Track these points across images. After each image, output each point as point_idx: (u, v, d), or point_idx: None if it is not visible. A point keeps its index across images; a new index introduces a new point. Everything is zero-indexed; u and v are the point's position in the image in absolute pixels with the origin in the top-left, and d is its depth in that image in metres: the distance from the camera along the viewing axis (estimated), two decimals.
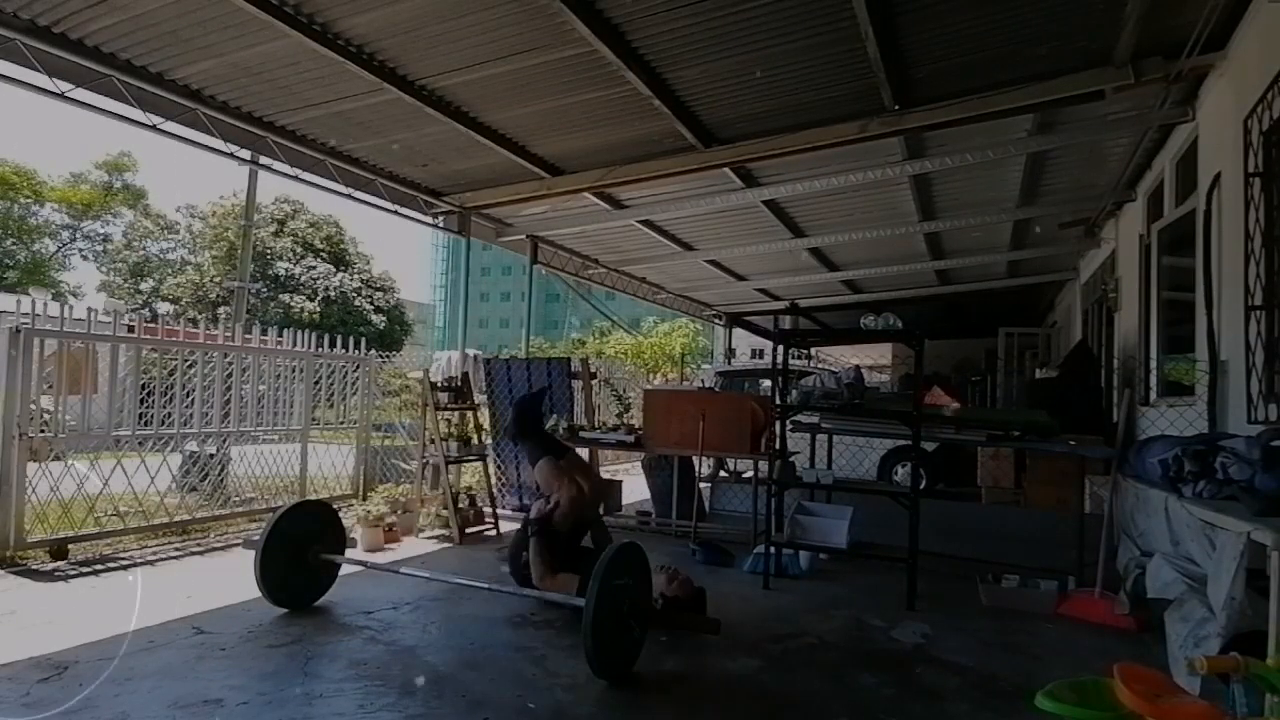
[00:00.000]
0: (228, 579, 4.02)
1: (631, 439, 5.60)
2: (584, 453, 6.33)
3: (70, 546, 4.38)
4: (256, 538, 3.34)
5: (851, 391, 4.38)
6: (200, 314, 23.84)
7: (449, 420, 5.80)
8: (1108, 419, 5.67)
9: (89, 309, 4.91)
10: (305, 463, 6.02)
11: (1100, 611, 3.65)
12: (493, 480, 5.95)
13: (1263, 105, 3.21)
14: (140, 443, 4.97)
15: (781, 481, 4.55)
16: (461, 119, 5.06)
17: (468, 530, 5.30)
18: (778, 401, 4.52)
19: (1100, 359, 6.70)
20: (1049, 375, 7.86)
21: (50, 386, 4.53)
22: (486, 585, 3.22)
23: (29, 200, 27.83)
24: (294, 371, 6.05)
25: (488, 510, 5.78)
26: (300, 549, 3.47)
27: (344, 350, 6.50)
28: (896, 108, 4.60)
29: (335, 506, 3.98)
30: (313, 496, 6.09)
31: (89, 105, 4.61)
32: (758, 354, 18.23)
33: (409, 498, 5.46)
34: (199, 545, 4.87)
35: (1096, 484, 4.69)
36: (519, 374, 6.53)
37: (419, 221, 7.18)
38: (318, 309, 24.82)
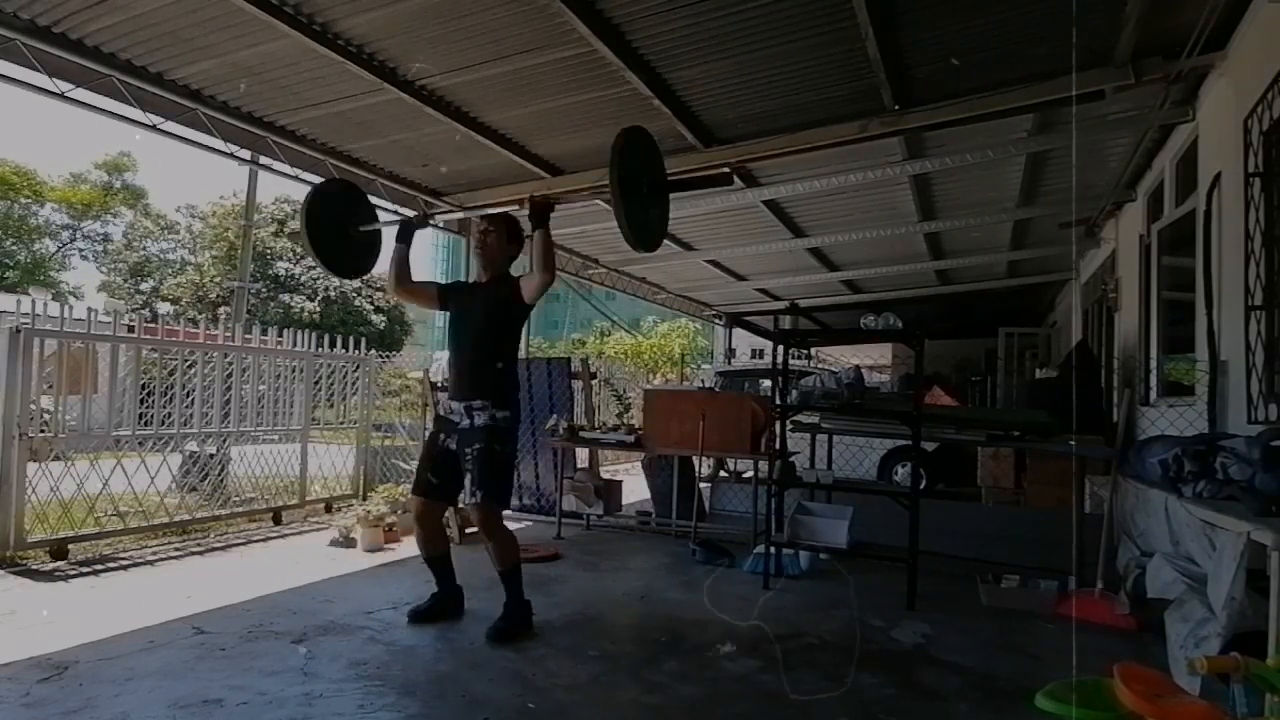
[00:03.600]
0: (228, 579, 4.03)
1: (631, 439, 5.60)
2: (584, 453, 6.36)
3: (70, 546, 4.38)
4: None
5: (851, 391, 4.38)
6: (200, 314, 23.83)
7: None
8: (1108, 419, 5.66)
9: (89, 309, 4.92)
10: (305, 463, 6.02)
11: (1100, 611, 3.65)
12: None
13: (1263, 105, 3.21)
14: (140, 443, 4.97)
15: (781, 481, 4.55)
16: (461, 119, 5.06)
17: (468, 530, 5.29)
18: (778, 401, 4.52)
19: (1100, 359, 6.70)
20: (1049, 375, 7.86)
21: (50, 386, 4.53)
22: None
23: (29, 200, 27.82)
24: (294, 371, 6.05)
25: None
26: (339, 226, 3.53)
27: (344, 350, 6.50)
28: (896, 108, 4.59)
29: (361, 189, 3.94)
30: (313, 495, 6.10)
31: (89, 105, 4.62)
32: (758, 354, 18.25)
33: (409, 497, 5.45)
34: (199, 545, 4.87)
35: (1096, 484, 4.69)
36: (519, 374, 6.53)
37: None
38: (318, 309, 24.80)
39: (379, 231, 3.71)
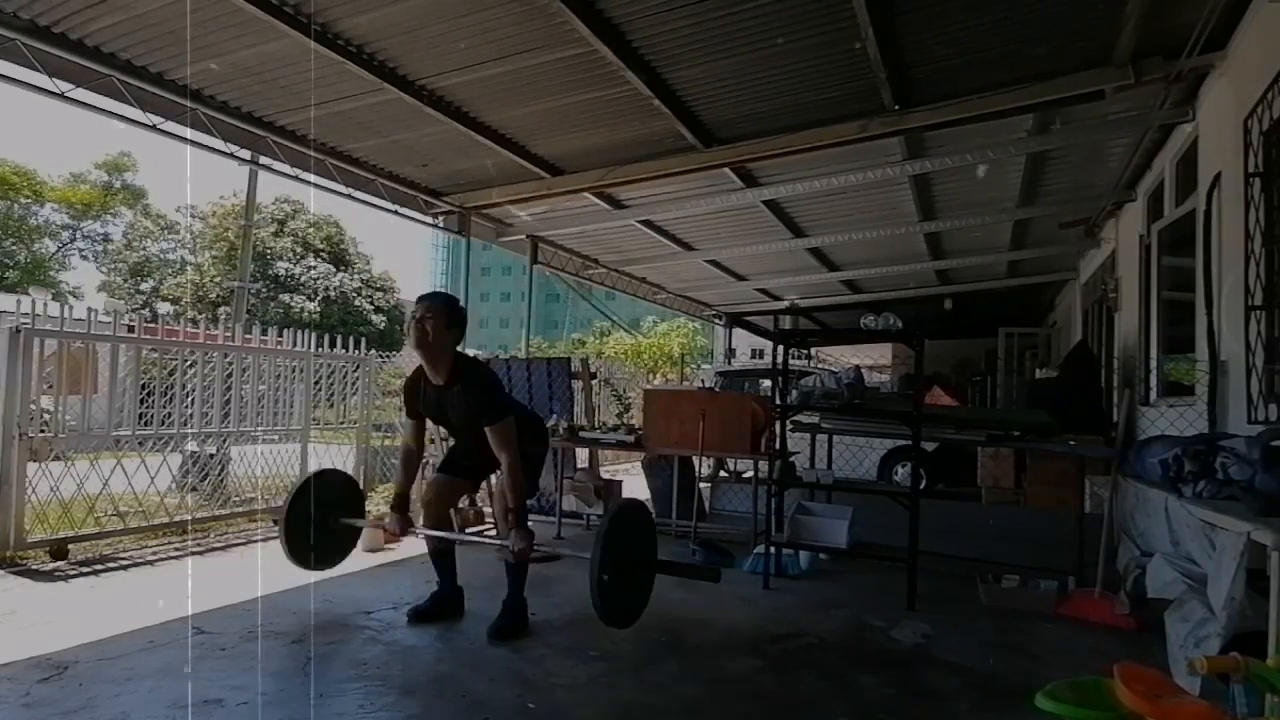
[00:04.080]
0: (228, 579, 4.02)
1: (631, 439, 5.60)
2: (584, 453, 6.36)
3: (70, 546, 4.38)
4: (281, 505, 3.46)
5: (851, 391, 4.38)
6: (200, 314, 23.84)
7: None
8: (1108, 419, 5.67)
9: (89, 309, 4.91)
10: (305, 463, 6.01)
11: (1100, 611, 3.65)
12: (493, 480, 5.94)
13: (1263, 105, 3.21)
14: (140, 443, 4.97)
15: (781, 481, 4.55)
16: (461, 119, 5.06)
17: (468, 530, 5.30)
18: (778, 401, 4.52)
19: (1100, 359, 6.70)
20: (1049, 375, 7.86)
21: (50, 386, 4.53)
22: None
23: (29, 200, 27.83)
24: (294, 371, 6.05)
25: (488, 510, 5.78)
26: (322, 516, 3.52)
27: (344, 350, 6.50)
28: (896, 108, 4.60)
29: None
30: None
31: (89, 105, 4.61)
32: (758, 354, 18.25)
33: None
34: (199, 545, 4.87)
35: (1096, 484, 4.69)
36: (519, 374, 6.53)
37: (419, 221, 7.19)
38: (318, 309, 24.83)
39: (356, 534, 3.72)
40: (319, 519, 3.52)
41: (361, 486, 6.31)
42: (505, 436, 3.13)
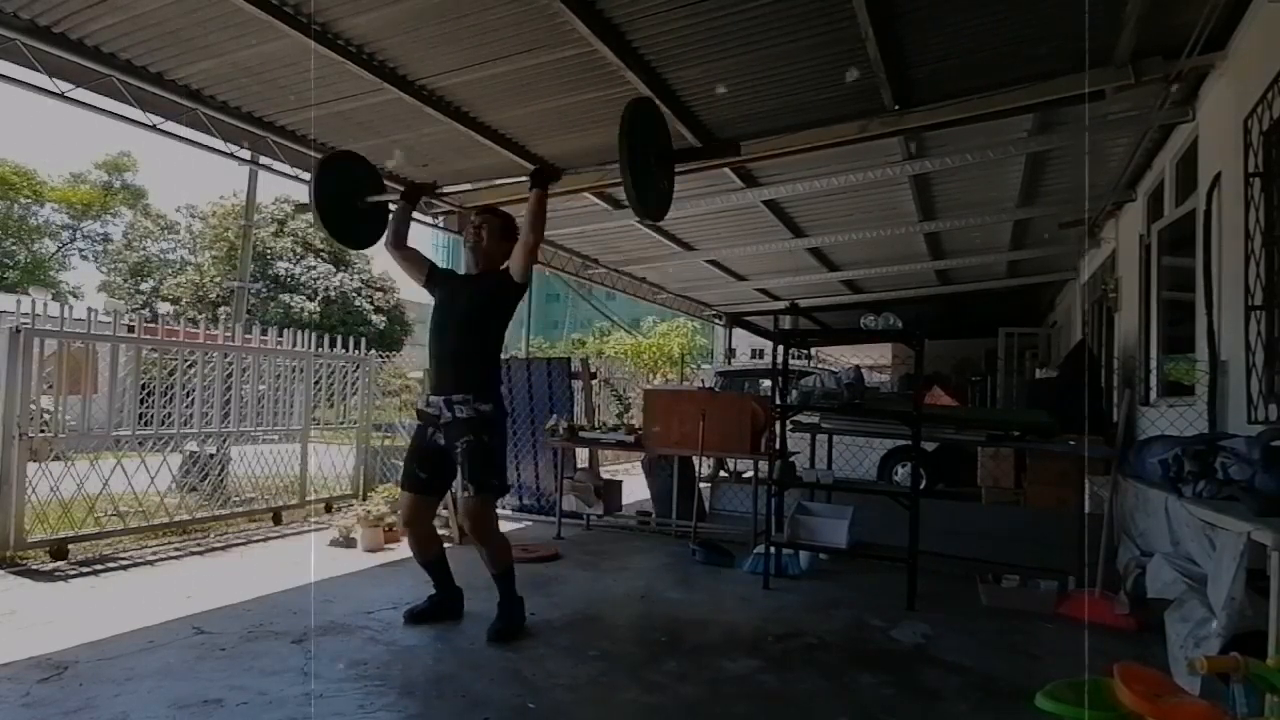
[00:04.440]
0: (228, 579, 4.03)
1: (631, 439, 5.60)
2: (584, 453, 6.36)
3: (70, 546, 4.38)
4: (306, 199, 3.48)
5: (851, 391, 4.38)
6: (200, 314, 23.83)
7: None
8: (1108, 419, 5.67)
9: (89, 309, 4.91)
10: (305, 463, 6.02)
11: (1100, 611, 3.65)
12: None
13: (1263, 105, 3.21)
14: (140, 443, 4.97)
15: (781, 481, 4.55)
16: (461, 119, 5.06)
17: (459, 536, 5.30)
18: (778, 401, 4.52)
19: (1100, 359, 6.70)
20: (1049, 375, 7.86)
21: (50, 386, 4.53)
22: None
23: (29, 200, 27.83)
24: (294, 371, 6.05)
25: None
26: (345, 197, 3.53)
27: (344, 350, 6.50)
28: (896, 108, 4.59)
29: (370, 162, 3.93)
30: (312, 496, 6.10)
31: (89, 105, 4.61)
32: (758, 354, 18.25)
33: (399, 495, 5.45)
34: (199, 545, 4.87)
35: (1096, 484, 4.69)
36: (519, 374, 6.53)
37: (419, 221, 7.17)
38: (318, 309, 24.80)
39: (385, 204, 3.70)
40: (344, 201, 3.51)
41: (361, 485, 6.36)
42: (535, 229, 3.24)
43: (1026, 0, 3.60)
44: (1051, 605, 3.80)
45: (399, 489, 3.59)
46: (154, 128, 4.89)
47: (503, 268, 3.35)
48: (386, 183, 4.00)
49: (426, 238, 30.73)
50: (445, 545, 3.62)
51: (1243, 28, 3.58)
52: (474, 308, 3.27)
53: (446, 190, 6.78)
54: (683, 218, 7.47)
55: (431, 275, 3.50)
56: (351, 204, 3.54)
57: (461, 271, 3.53)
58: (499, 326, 3.32)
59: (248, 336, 5.70)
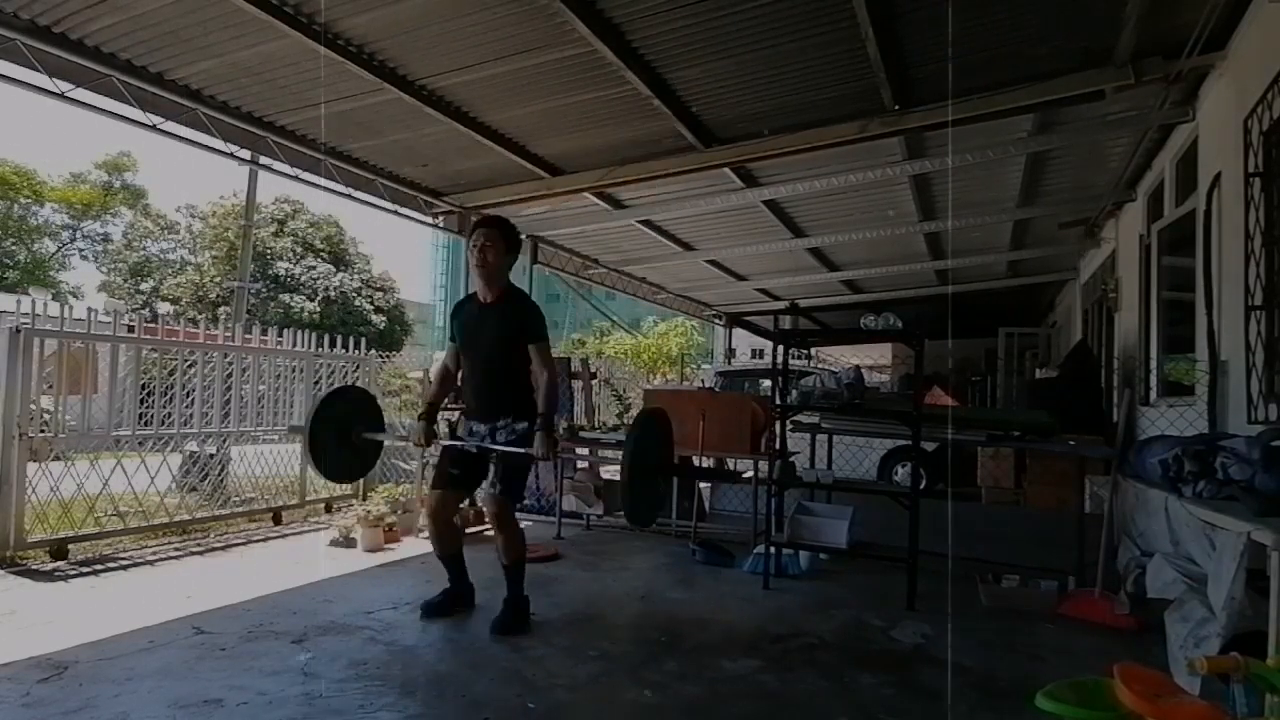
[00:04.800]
0: (228, 579, 4.02)
1: None
2: (584, 452, 6.35)
3: (70, 546, 4.38)
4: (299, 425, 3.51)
5: (851, 391, 4.38)
6: (200, 314, 23.83)
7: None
8: (1108, 419, 5.67)
9: (89, 309, 4.91)
10: (305, 463, 6.01)
11: (1100, 611, 3.65)
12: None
13: (1263, 105, 3.21)
14: (140, 443, 4.97)
15: (781, 481, 4.55)
16: (461, 119, 5.06)
17: (468, 530, 5.28)
18: (778, 401, 4.52)
19: (1100, 359, 6.70)
20: (1049, 375, 7.87)
21: (50, 386, 4.53)
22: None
23: (29, 200, 27.82)
24: (294, 371, 6.05)
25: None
26: (344, 431, 3.58)
27: (344, 350, 6.50)
28: (896, 108, 4.60)
29: (371, 394, 4.13)
30: (312, 496, 6.10)
31: (89, 105, 4.61)
32: (758, 354, 18.23)
33: (409, 497, 5.46)
34: (199, 545, 4.87)
35: (1096, 484, 4.69)
36: None
37: (419, 221, 7.19)
38: (318, 309, 24.81)
39: (378, 448, 3.82)
40: (340, 434, 3.57)
41: (361, 485, 6.36)
42: (546, 355, 3.32)
43: (1026, 0, 3.61)
44: (1051, 605, 3.80)
45: (429, 488, 3.63)
46: (154, 128, 4.89)
47: (521, 301, 3.39)
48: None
49: (427, 237, 30.71)
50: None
51: (1243, 28, 3.58)
52: (499, 341, 3.34)
53: (445, 192, 6.82)
54: (683, 218, 7.48)
55: (456, 334, 3.50)
56: (349, 437, 3.59)
57: (472, 290, 3.51)
58: (524, 354, 3.34)
59: (248, 336, 5.70)
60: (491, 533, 5.20)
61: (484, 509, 3.65)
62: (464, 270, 8.35)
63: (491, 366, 3.36)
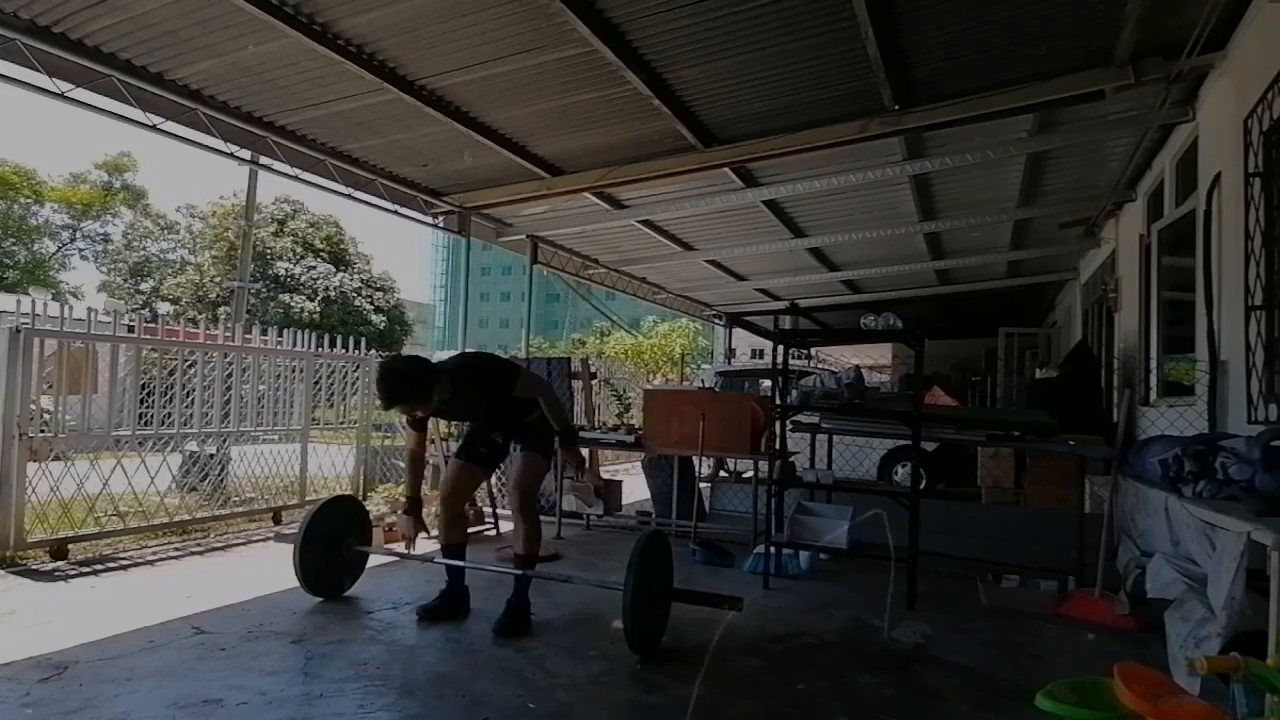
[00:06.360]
0: (228, 579, 4.03)
1: (631, 439, 5.60)
2: (584, 453, 6.35)
3: (70, 546, 4.38)
4: (291, 532, 3.49)
5: (851, 391, 4.38)
6: (200, 314, 23.84)
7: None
8: (1108, 419, 5.67)
9: (89, 309, 4.91)
10: (305, 463, 6.02)
11: (1100, 611, 3.65)
12: (493, 481, 5.94)
13: (1263, 105, 3.21)
14: (140, 443, 4.97)
15: (781, 481, 4.55)
16: (461, 119, 5.06)
17: (468, 531, 5.30)
18: (778, 401, 4.52)
19: (1100, 359, 6.70)
20: (1049, 375, 7.86)
21: (50, 386, 4.53)
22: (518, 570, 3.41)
23: (29, 200, 27.83)
24: (294, 371, 6.05)
25: (488, 511, 5.78)
26: (333, 543, 3.66)
27: (344, 350, 6.50)
28: (896, 108, 4.59)
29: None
30: (312, 496, 6.10)
31: (89, 105, 4.61)
32: (758, 354, 18.23)
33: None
34: (199, 545, 4.87)
35: (1096, 484, 4.69)
36: None
37: (419, 221, 7.18)
38: (318, 309, 24.83)
39: (365, 559, 3.89)
40: (332, 547, 3.67)
41: (361, 485, 6.36)
42: (536, 388, 3.41)
43: (1026, 0, 3.60)
44: (1051, 605, 3.80)
45: (453, 457, 3.70)
46: (154, 128, 4.89)
47: (473, 383, 3.32)
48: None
49: (427, 237, 30.78)
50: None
51: (1242, 28, 3.58)
52: (484, 407, 3.44)
53: (444, 192, 6.82)
54: (683, 218, 7.47)
55: (416, 416, 3.42)
56: (337, 550, 3.68)
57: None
58: (509, 393, 3.35)
59: (248, 336, 5.70)
60: (491, 533, 5.22)
61: (508, 500, 3.69)
62: (464, 270, 8.38)
63: (490, 417, 3.52)
